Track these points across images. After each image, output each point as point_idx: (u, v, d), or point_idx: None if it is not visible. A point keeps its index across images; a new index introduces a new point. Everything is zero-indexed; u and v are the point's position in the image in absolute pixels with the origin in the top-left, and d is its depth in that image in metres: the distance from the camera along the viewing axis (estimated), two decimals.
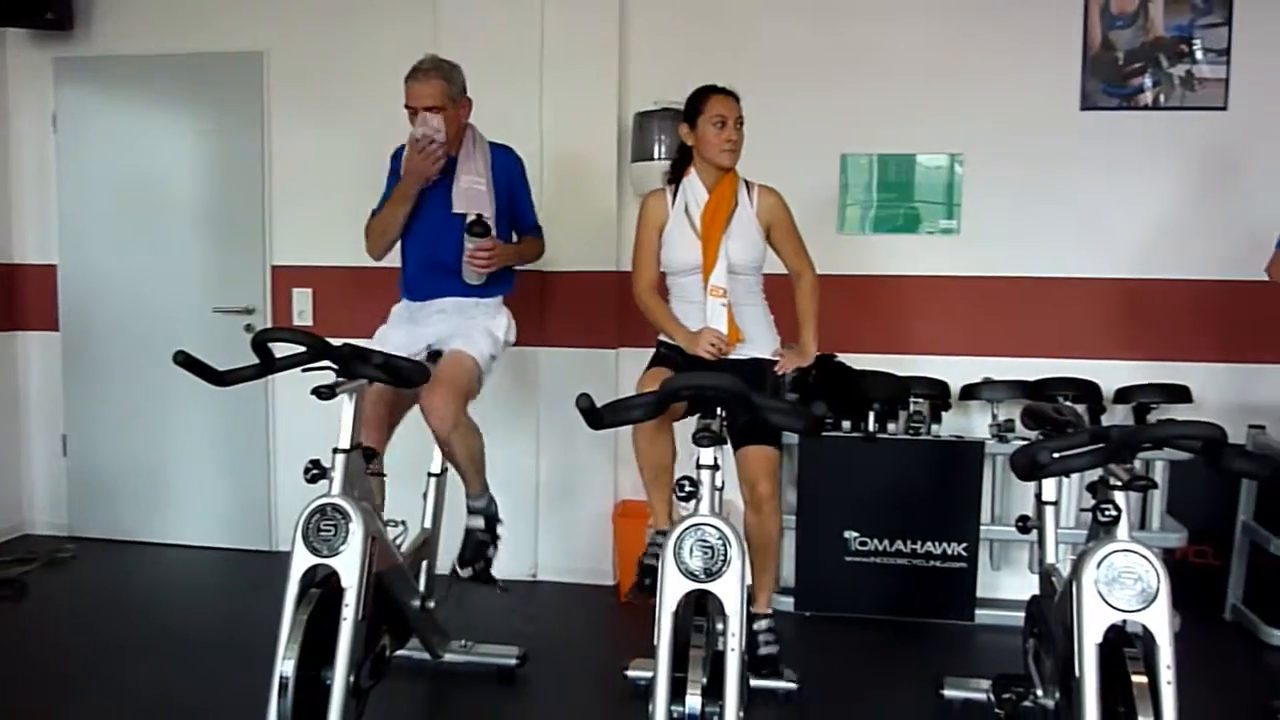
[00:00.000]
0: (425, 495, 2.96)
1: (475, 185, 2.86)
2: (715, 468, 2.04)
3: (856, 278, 3.73)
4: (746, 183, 2.93)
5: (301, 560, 2.17)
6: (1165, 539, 3.39)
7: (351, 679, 2.13)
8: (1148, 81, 3.63)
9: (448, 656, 3.00)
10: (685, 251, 2.86)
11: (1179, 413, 3.41)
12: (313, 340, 2.28)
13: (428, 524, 2.94)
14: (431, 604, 2.84)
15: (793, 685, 2.85)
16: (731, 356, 2.79)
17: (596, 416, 1.99)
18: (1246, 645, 3.38)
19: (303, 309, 4.13)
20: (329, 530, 2.17)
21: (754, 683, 2.76)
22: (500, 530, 3.03)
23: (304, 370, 2.28)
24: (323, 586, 2.20)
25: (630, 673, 2.87)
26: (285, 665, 2.08)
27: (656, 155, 3.61)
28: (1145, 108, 3.64)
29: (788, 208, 2.94)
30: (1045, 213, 3.68)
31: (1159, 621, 1.89)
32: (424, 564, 2.88)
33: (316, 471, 2.22)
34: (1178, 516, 3.47)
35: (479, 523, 2.98)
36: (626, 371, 3.72)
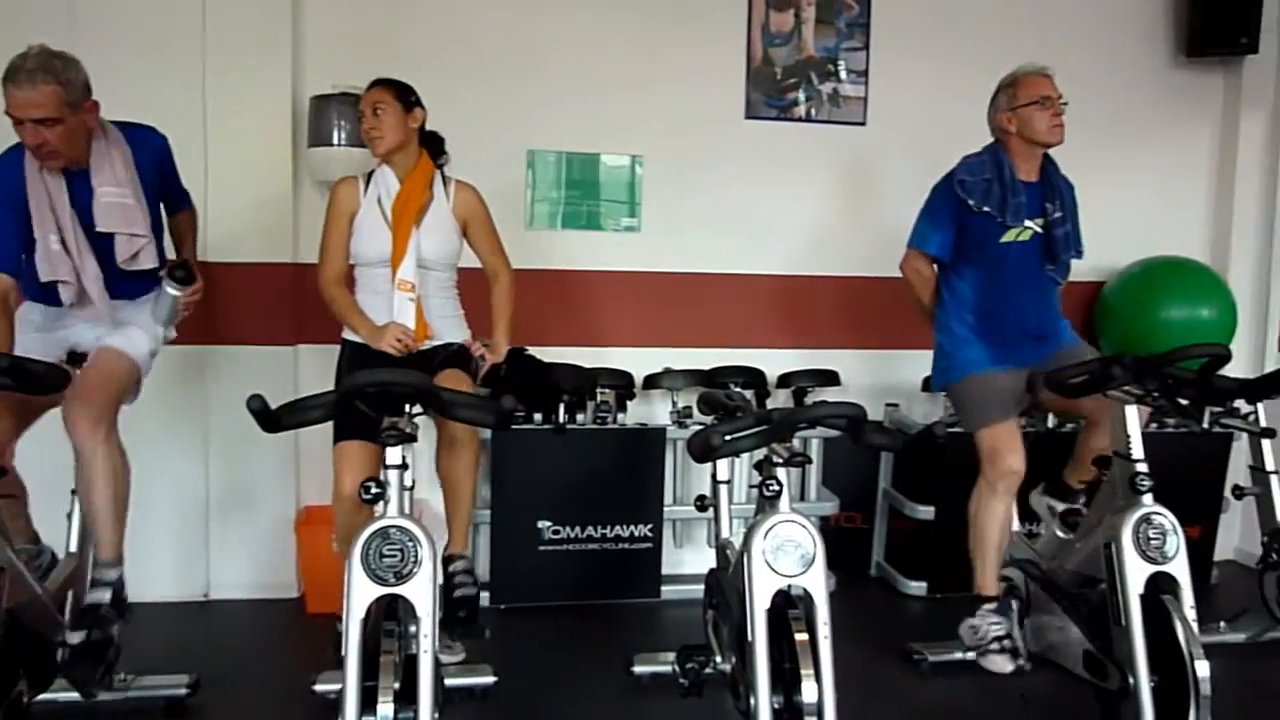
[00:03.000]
0: (70, 516, 2.61)
1: (118, 199, 2.50)
2: (403, 467, 1.98)
3: (545, 272, 3.79)
4: (444, 176, 2.87)
5: None
6: (821, 508, 3.77)
7: None
8: (801, 96, 4.01)
9: (103, 695, 2.66)
10: (374, 243, 2.75)
11: (830, 395, 3.82)
12: None
13: (73, 547, 2.59)
14: (75, 640, 2.37)
15: (490, 680, 2.84)
16: (421, 349, 2.73)
17: (271, 418, 1.86)
18: (889, 596, 3.85)
19: None
20: None
21: (449, 665, 2.74)
22: (127, 615, 2.57)
23: None
24: None
25: (319, 687, 2.72)
26: None
27: (335, 141, 3.44)
28: (800, 119, 4.02)
29: (485, 205, 2.92)
30: (716, 213, 3.95)
31: (817, 583, 2.10)
32: (70, 594, 2.52)
33: None
34: (831, 487, 3.88)
35: (103, 596, 2.48)
36: (308, 369, 3.51)
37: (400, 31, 3.65)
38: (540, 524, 3.60)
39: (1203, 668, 2.18)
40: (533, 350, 3.63)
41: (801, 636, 2.06)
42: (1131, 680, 2.26)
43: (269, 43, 3.51)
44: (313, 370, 3.46)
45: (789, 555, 2.09)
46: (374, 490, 1.93)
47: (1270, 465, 3.14)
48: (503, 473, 3.57)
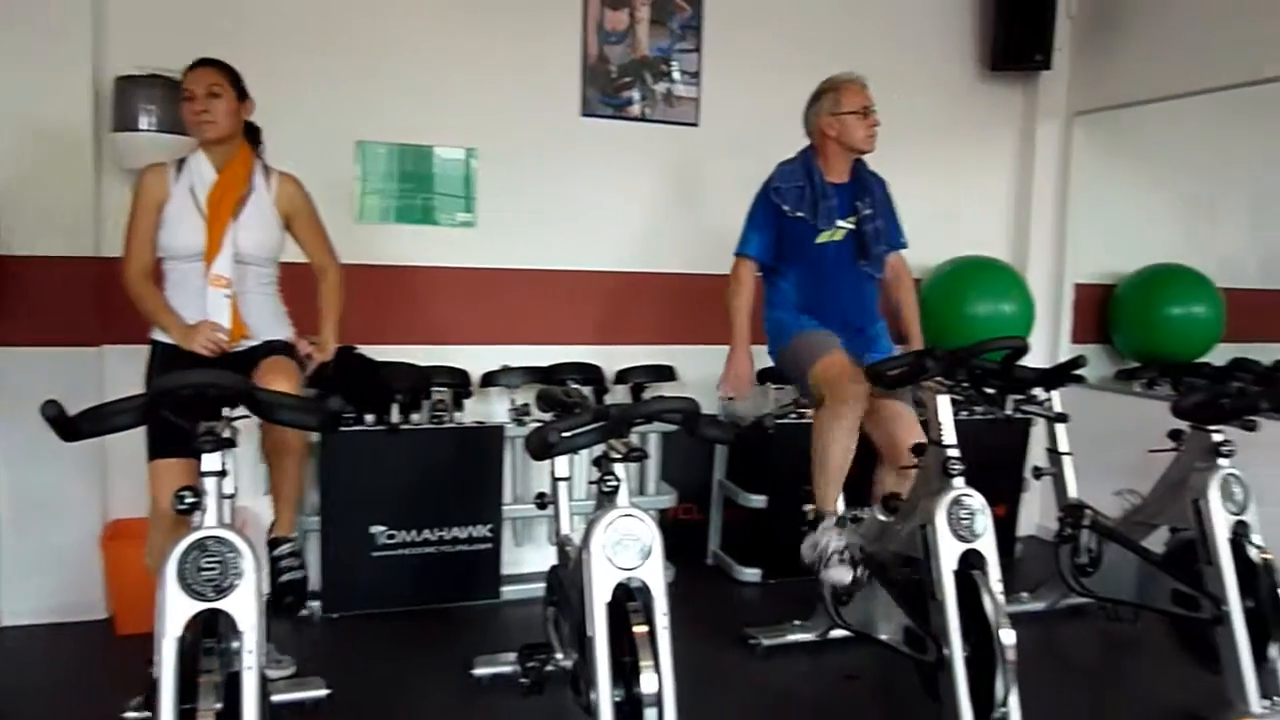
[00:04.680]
0: None
1: None
2: (222, 474, 1.86)
3: (377, 268, 3.67)
4: (266, 167, 2.73)
5: None
6: (660, 501, 3.84)
7: None
8: (636, 95, 4.05)
9: None
10: (187, 235, 2.58)
11: (667, 390, 3.89)
12: None
13: None
14: None
15: (322, 693, 2.73)
16: (237, 349, 2.59)
17: (69, 426, 1.71)
18: (725, 583, 3.96)
19: None
20: None
21: (277, 681, 2.62)
22: None
23: None
24: None
25: (130, 715, 2.53)
26: None
27: (143, 126, 3.21)
28: (634, 119, 4.06)
29: (309, 197, 2.79)
30: (553, 209, 3.94)
31: (655, 575, 2.13)
32: None
33: None
34: (669, 481, 3.95)
35: None
36: (117, 372, 3.25)
37: (214, 10, 3.43)
38: (373, 529, 3.48)
39: (1008, 636, 2.35)
40: (365, 350, 3.51)
41: (641, 629, 2.09)
42: (946, 651, 2.41)
43: (67, 18, 3.23)
44: (122, 373, 3.20)
45: (628, 549, 2.11)
46: (189, 499, 1.81)
47: (1064, 447, 3.41)
48: (332, 477, 3.43)
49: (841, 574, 2.81)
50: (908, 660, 2.62)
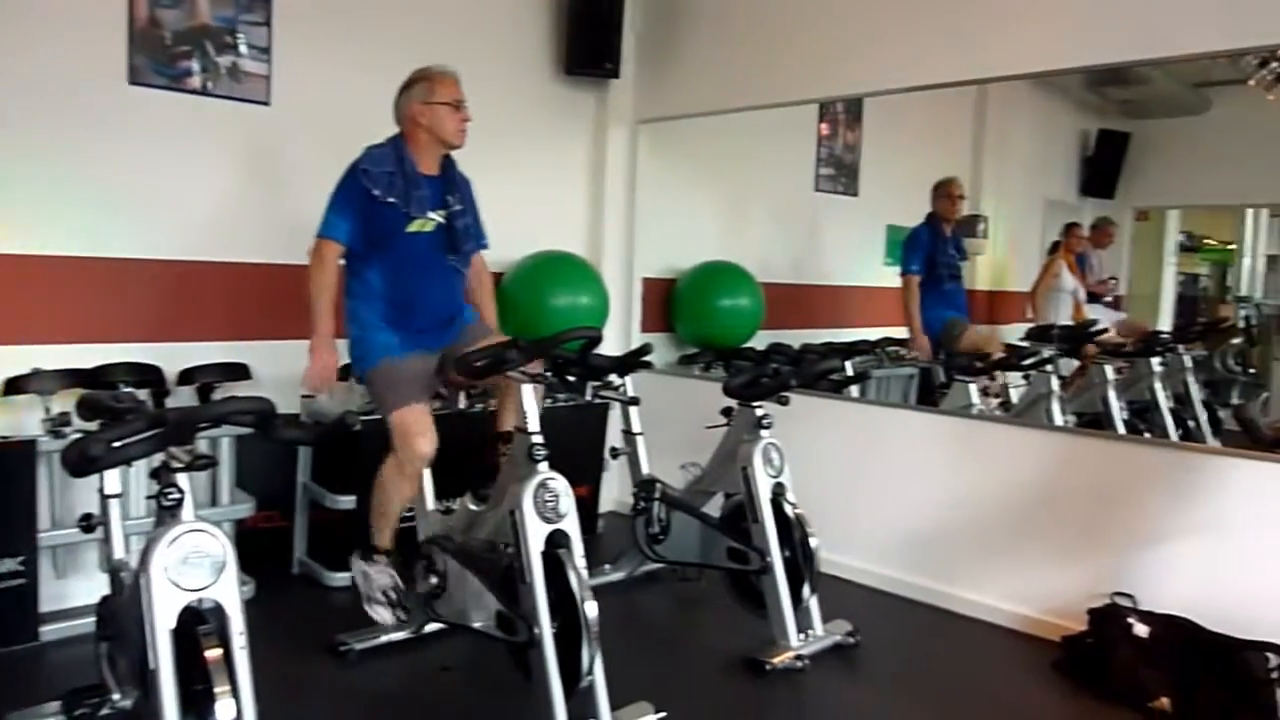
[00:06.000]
0: None
1: None
2: None
3: None
4: None
5: None
6: (236, 511, 3.53)
7: None
8: (196, 66, 3.67)
9: None
10: None
11: (241, 389, 3.60)
12: None
13: None
14: None
15: None
16: None
17: None
18: (314, 591, 3.76)
19: None
20: None
21: None
22: None
23: None
24: None
25: None
26: None
27: None
28: (195, 92, 3.68)
29: None
30: (97, 189, 3.44)
31: (229, 593, 1.96)
32: None
33: None
34: (247, 487, 3.65)
35: None
36: None
37: None
38: None
39: (591, 608, 2.51)
40: None
41: (215, 653, 1.91)
42: (536, 630, 2.50)
43: None
44: None
45: (196, 567, 1.92)
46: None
47: (637, 428, 3.72)
48: None
49: (384, 615, 3.03)
50: (501, 644, 2.68)
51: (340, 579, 3.75)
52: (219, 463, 3.38)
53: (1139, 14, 3.25)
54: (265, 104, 3.84)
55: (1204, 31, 3.14)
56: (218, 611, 1.95)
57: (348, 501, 3.67)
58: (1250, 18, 3.03)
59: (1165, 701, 2.89)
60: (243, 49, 3.79)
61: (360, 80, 3.69)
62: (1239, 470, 3.12)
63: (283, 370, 3.81)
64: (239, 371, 3.64)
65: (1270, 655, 2.82)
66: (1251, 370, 4.74)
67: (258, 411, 1.99)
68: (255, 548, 3.68)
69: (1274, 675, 2.78)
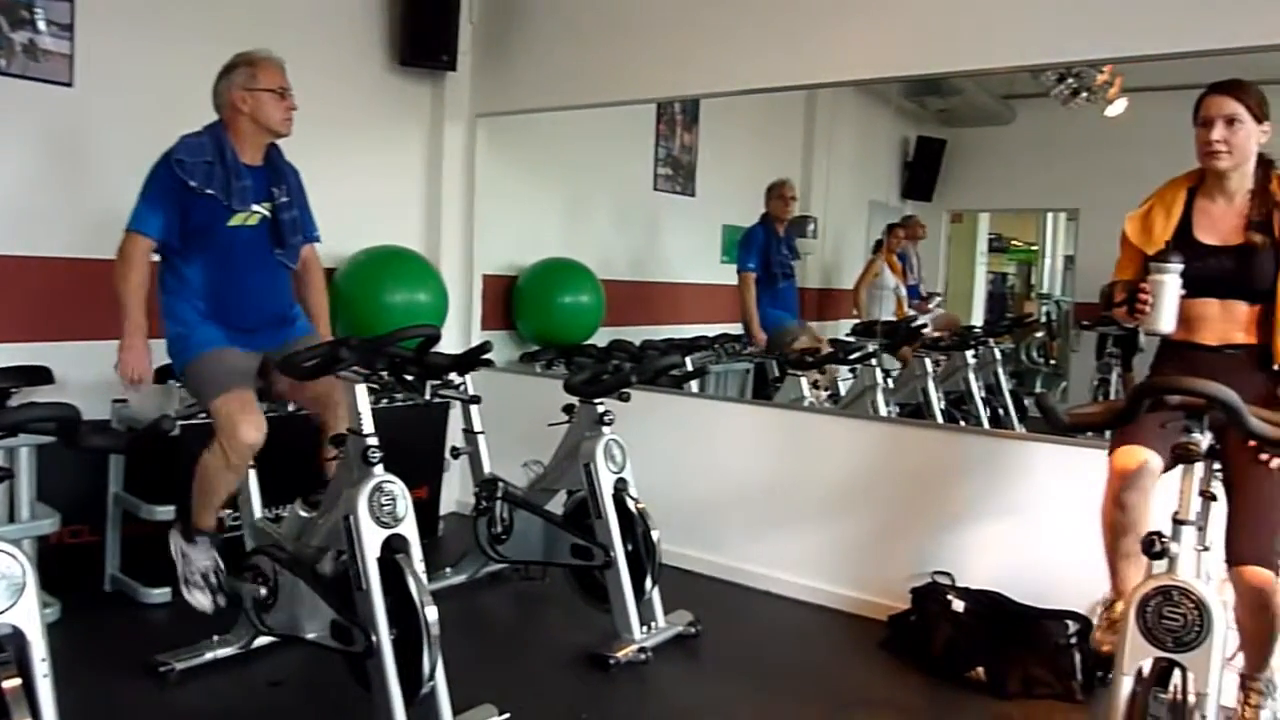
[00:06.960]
0: None
1: None
2: None
3: None
4: None
5: None
6: (39, 527, 3.24)
7: None
8: None
9: None
10: None
11: (42, 395, 3.30)
12: None
13: None
14: None
15: None
16: None
17: None
18: (129, 609, 3.50)
19: None
20: None
21: None
22: None
23: None
24: None
25: None
26: None
27: None
28: None
29: None
30: None
31: (29, 617, 1.79)
32: None
33: None
34: (50, 500, 3.36)
35: None
36: None
37: None
38: None
39: (431, 613, 2.45)
40: None
41: (12, 683, 1.75)
42: (374, 638, 2.43)
43: None
44: None
45: None
46: None
47: (478, 427, 3.67)
48: None
49: (202, 600, 2.90)
50: (338, 655, 2.59)
51: (158, 595, 3.52)
52: (16, 475, 3.10)
53: (950, 29, 3.48)
54: (68, 85, 3.55)
55: (1005, 48, 3.39)
56: (17, 637, 1.79)
57: (165, 512, 3.43)
58: (1047, 36, 3.30)
59: (980, 671, 3.09)
60: (41, 25, 3.48)
61: (175, 63, 3.48)
62: (1040, 454, 3.38)
63: (91, 373, 3.54)
64: (40, 375, 3.34)
65: (1069, 622, 3.07)
66: (1053, 361, 5.17)
67: (59, 418, 1.83)
68: (62, 566, 3.42)
69: (1072, 640, 3.03)
